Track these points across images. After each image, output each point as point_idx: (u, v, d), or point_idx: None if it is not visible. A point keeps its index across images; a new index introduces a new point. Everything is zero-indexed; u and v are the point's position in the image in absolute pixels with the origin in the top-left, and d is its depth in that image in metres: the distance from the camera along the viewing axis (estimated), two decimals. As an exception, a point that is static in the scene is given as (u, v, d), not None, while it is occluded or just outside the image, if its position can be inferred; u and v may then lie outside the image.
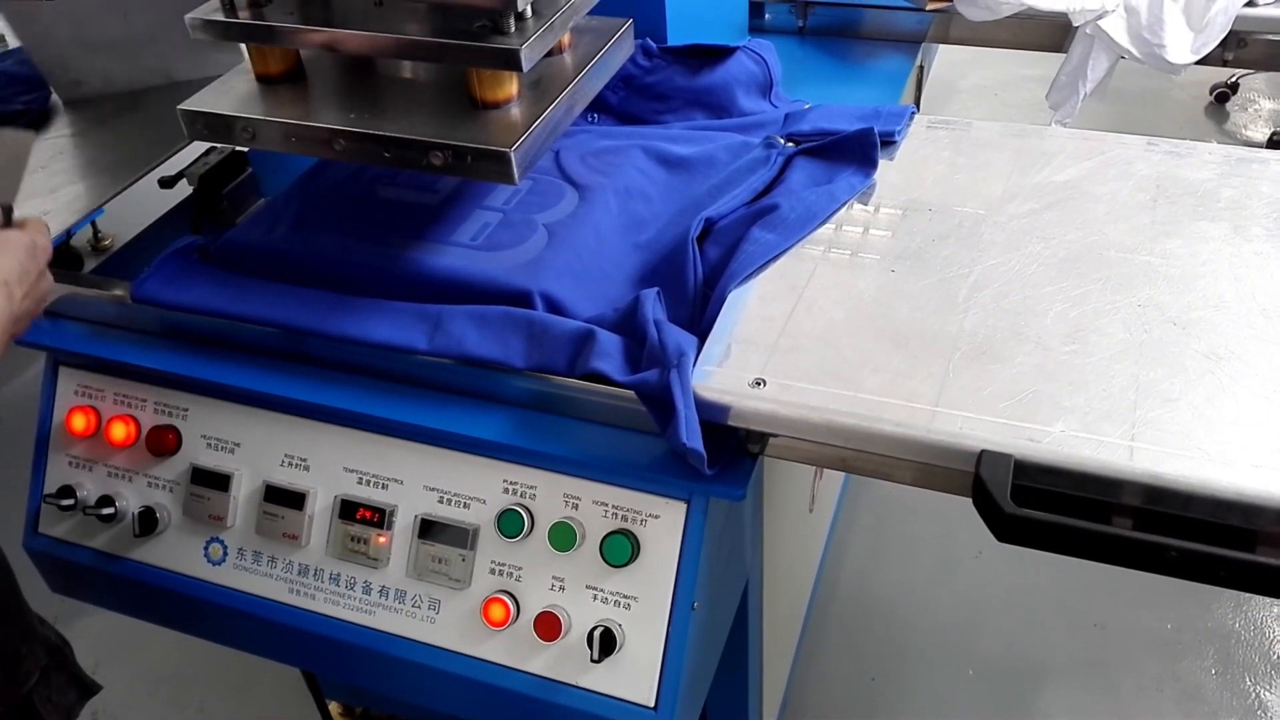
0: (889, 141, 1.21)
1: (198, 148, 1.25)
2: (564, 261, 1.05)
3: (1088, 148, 1.21)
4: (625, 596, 0.94)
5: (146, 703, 2.02)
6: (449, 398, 1.00)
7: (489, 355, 0.96)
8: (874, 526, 2.25)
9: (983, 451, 0.82)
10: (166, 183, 1.24)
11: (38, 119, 1.41)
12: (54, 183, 1.27)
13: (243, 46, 1.02)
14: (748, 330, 0.97)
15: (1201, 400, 0.86)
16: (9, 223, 0.86)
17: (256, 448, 1.06)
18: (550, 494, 0.96)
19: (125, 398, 1.11)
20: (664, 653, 0.93)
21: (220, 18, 0.98)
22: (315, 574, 1.03)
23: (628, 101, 1.35)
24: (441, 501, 0.99)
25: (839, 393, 0.88)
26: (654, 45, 1.34)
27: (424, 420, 0.99)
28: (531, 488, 0.97)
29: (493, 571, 0.98)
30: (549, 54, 1.01)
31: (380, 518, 1.01)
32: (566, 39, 1.04)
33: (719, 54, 1.33)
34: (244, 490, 1.06)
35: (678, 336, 0.92)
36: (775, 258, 1.05)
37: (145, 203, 1.28)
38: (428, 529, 0.99)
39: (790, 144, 1.21)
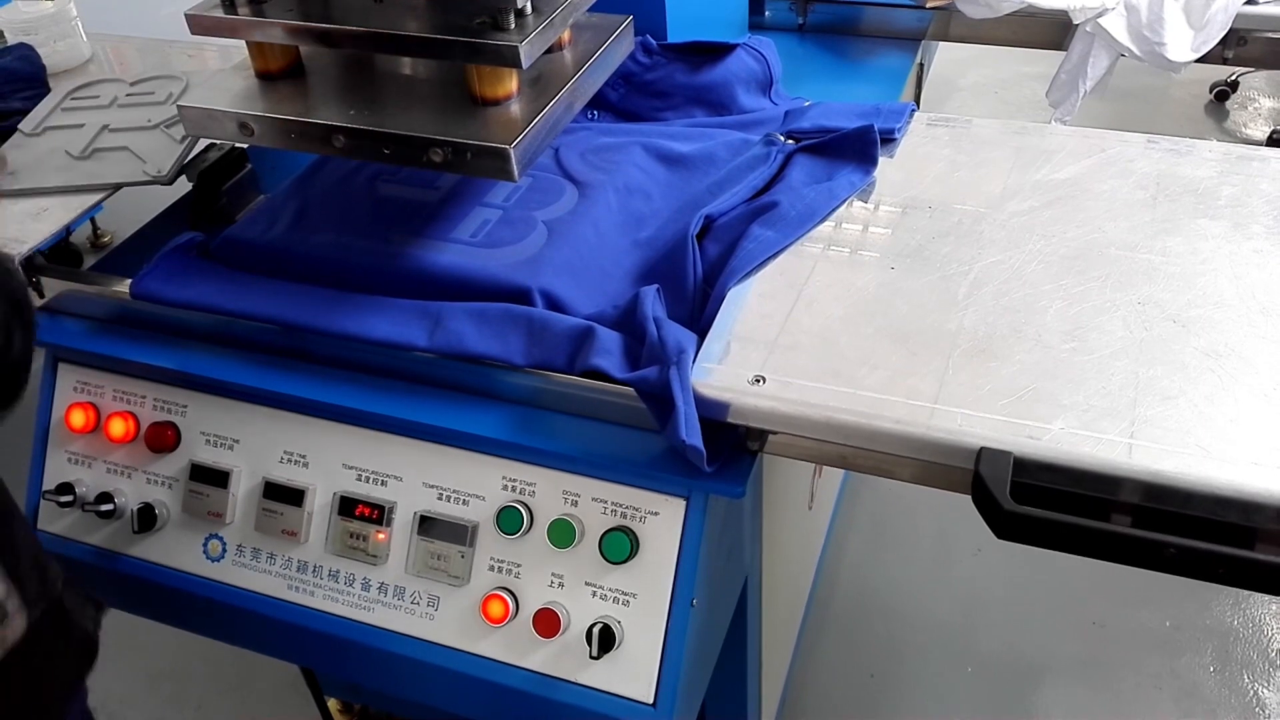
0: (889, 139, 1.21)
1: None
2: (564, 259, 1.05)
3: (1088, 145, 1.21)
4: (624, 593, 0.94)
5: (145, 700, 2.02)
6: (448, 394, 1.00)
7: (489, 352, 0.96)
8: (873, 524, 2.25)
9: (982, 449, 0.82)
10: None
11: (37, 115, 1.41)
12: (53, 179, 1.27)
13: (242, 42, 1.02)
14: (747, 327, 0.97)
15: (1201, 398, 0.86)
16: None
17: (256, 444, 1.06)
18: (549, 491, 0.96)
19: (124, 394, 1.11)
20: (663, 649, 0.93)
21: (220, 13, 0.98)
22: (314, 571, 1.03)
23: (627, 99, 1.35)
24: (441, 498, 0.99)
25: (839, 390, 0.88)
26: (654, 42, 1.34)
27: (423, 417, 0.99)
28: (531, 484, 0.97)
29: (492, 568, 0.98)
30: (549, 51, 1.01)
31: (379, 514, 1.01)
32: (566, 36, 1.04)
33: (719, 51, 1.32)
34: (243, 487, 1.06)
35: (677, 334, 0.92)
36: (775, 255, 1.05)
37: (144, 199, 1.28)
38: (427, 526, 0.99)
39: (790, 141, 1.21)
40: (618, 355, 0.93)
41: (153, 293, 1.06)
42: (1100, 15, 1.48)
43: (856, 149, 1.17)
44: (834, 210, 1.11)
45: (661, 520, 0.94)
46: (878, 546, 2.21)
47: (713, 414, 0.90)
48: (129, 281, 1.08)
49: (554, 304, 1.01)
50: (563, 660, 0.95)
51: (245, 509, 1.06)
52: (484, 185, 1.17)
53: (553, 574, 0.96)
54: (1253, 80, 3.78)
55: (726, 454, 0.92)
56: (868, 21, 1.67)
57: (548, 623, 0.94)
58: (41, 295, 1.13)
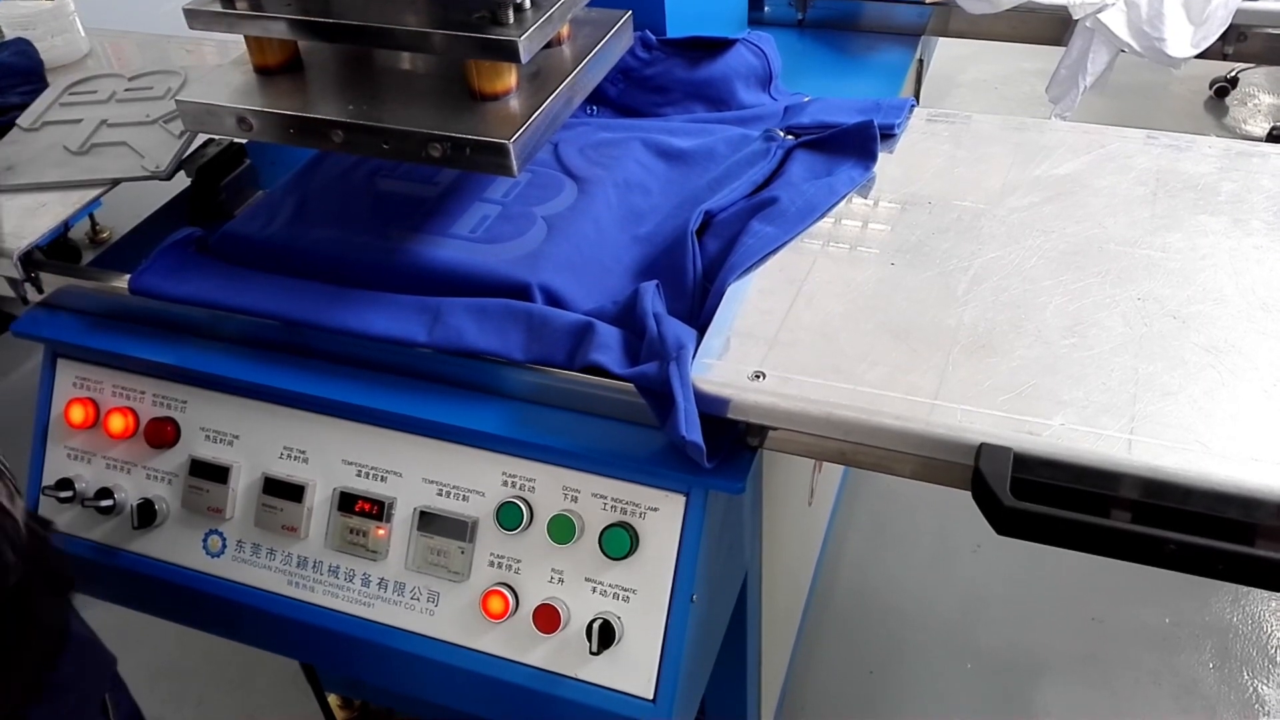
0: (889, 134, 1.21)
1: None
2: (563, 254, 1.05)
3: (1087, 141, 1.21)
4: (624, 589, 0.94)
5: (145, 696, 2.00)
6: (448, 390, 1.00)
7: (488, 348, 0.96)
8: (873, 520, 2.25)
9: (982, 444, 0.82)
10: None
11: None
12: (52, 175, 1.27)
13: (241, 38, 1.02)
14: (747, 323, 0.96)
15: (1201, 394, 0.86)
16: None
17: (255, 440, 1.06)
18: (549, 487, 0.96)
19: (123, 390, 1.10)
20: (663, 645, 0.93)
21: (218, 8, 0.98)
22: (314, 566, 1.03)
23: (627, 94, 1.35)
24: (441, 494, 0.99)
25: (838, 386, 0.88)
26: (653, 37, 1.34)
27: (423, 413, 0.99)
28: (530, 480, 0.97)
29: (492, 564, 0.98)
30: (548, 45, 1.01)
31: (379, 510, 1.01)
32: (565, 31, 1.04)
33: (718, 46, 1.32)
34: (243, 482, 1.06)
35: (677, 329, 0.92)
36: (775, 251, 1.04)
37: (143, 195, 1.28)
38: (427, 521, 0.99)
39: (790, 137, 1.21)
40: (617, 351, 0.93)
41: (151, 288, 1.06)
42: (1100, 11, 1.48)
43: (857, 144, 1.17)
44: (834, 206, 1.11)
45: (661, 516, 0.93)
46: (877, 543, 2.21)
47: (712, 410, 0.90)
48: (128, 277, 1.07)
49: (553, 299, 1.01)
50: (563, 656, 0.95)
51: (245, 505, 1.06)
52: (483, 181, 1.17)
53: (553, 570, 0.96)
54: (1252, 76, 3.78)
55: (726, 450, 0.92)
56: (867, 17, 1.66)
57: (548, 618, 0.94)
58: (40, 291, 1.13)
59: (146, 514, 1.06)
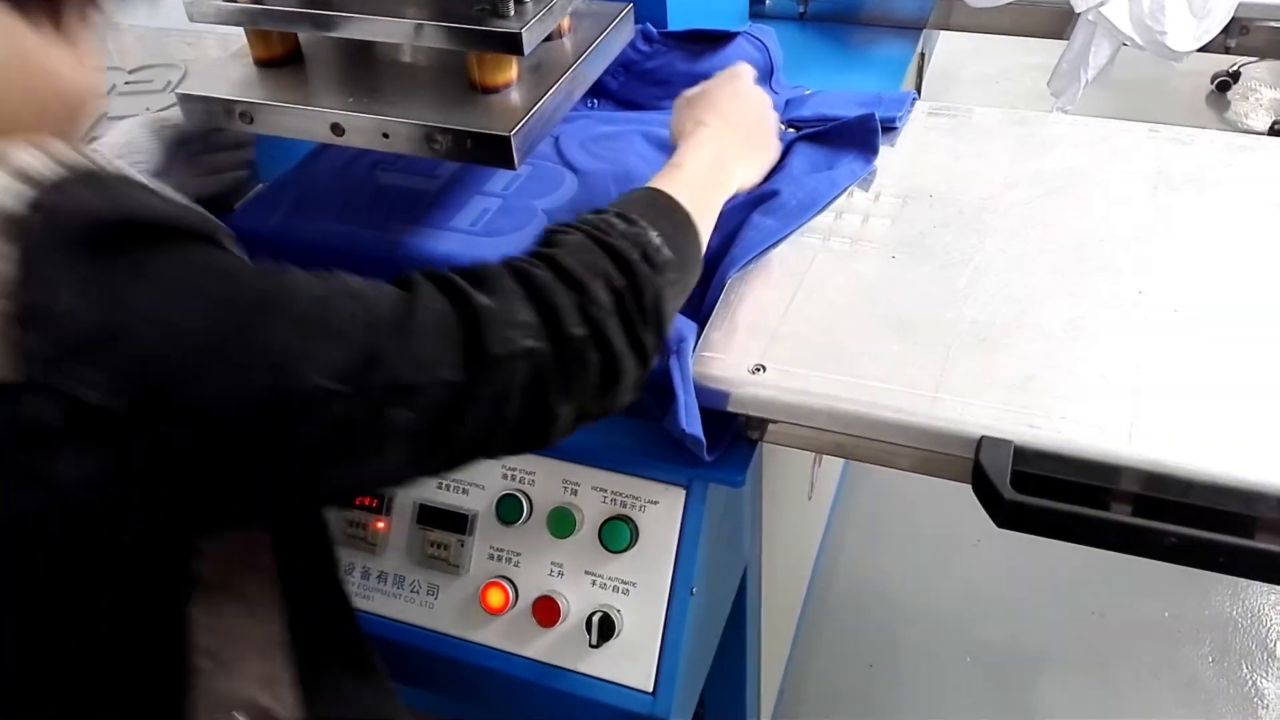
0: (890, 128, 1.21)
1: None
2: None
3: (1089, 135, 1.21)
4: (624, 582, 0.94)
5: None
6: (448, 383, 1.00)
7: (488, 341, 0.96)
8: (873, 513, 2.25)
9: (982, 438, 0.82)
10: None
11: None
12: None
13: (241, 30, 1.02)
14: (747, 316, 0.96)
15: (1202, 387, 0.85)
16: None
17: (255, 433, 1.05)
18: (548, 480, 0.96)
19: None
20: (662, 638, 0.93)
21: (219, 1, 0.97)
22: (314, 559, 1.03)
23: (628, 87, 1.34)
24: (440, 487, 0.99)
25: (839, 379, 0.88)
26: (654, 30, 1.33)
27: (423, 406, 0.98)
28: (530, 473, 0.97)
29: (491, 557, 0.98)
30: (548, 38, 1.01)
31: (378, 503, 1.01)
32: (566, 23, 1.04)
33: (720, 39, 1.32)
34: (243, 475, 1.06)
35: (677, 322, 0.92)
36: (775, 244, 1.04)
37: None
38: (426, 515, 0.99)
39: (791, 130, 1.21)
40: (617, 344, 0.93)
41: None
42: (1102, 4, 1.47)
43: (858, 138, 1.17)
44: (835, 199, 1.11)
45: (661, 509, 0.93)
46: (877, 537, 2.21)
47: (712, 403, 0.90)
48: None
49: (554, 293, 1.00)
50: (562, 649, 0.95)
51: (245, 498, 1.05)
52: (484, 174, 1.16)
53: (552, 563, 0.96)
54: (1255, 70, 3.77)
55: (726, 443, 0.92)
56: (869, 10, 1.66)
57: (547, 611, 0.94)
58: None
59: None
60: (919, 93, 1.78)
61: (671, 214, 0.79)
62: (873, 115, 1.17)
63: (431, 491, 0.99)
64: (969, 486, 0.82)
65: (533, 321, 0.62)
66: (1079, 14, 1.50)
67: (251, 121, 0.99)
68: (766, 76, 1.34)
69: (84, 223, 0.45)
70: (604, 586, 0.94)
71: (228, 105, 0.99)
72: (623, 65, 1.33)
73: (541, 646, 0.95)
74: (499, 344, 0.60)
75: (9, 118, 0.50)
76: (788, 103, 1.27)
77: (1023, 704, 1.89)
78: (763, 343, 0.93)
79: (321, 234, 1.08)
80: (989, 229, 1.06)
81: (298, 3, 0.96)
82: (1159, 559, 0.76)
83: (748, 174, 1.00)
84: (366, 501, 1.01)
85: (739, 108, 0.98)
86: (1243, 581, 1.98)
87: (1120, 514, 0.79)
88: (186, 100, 1.00)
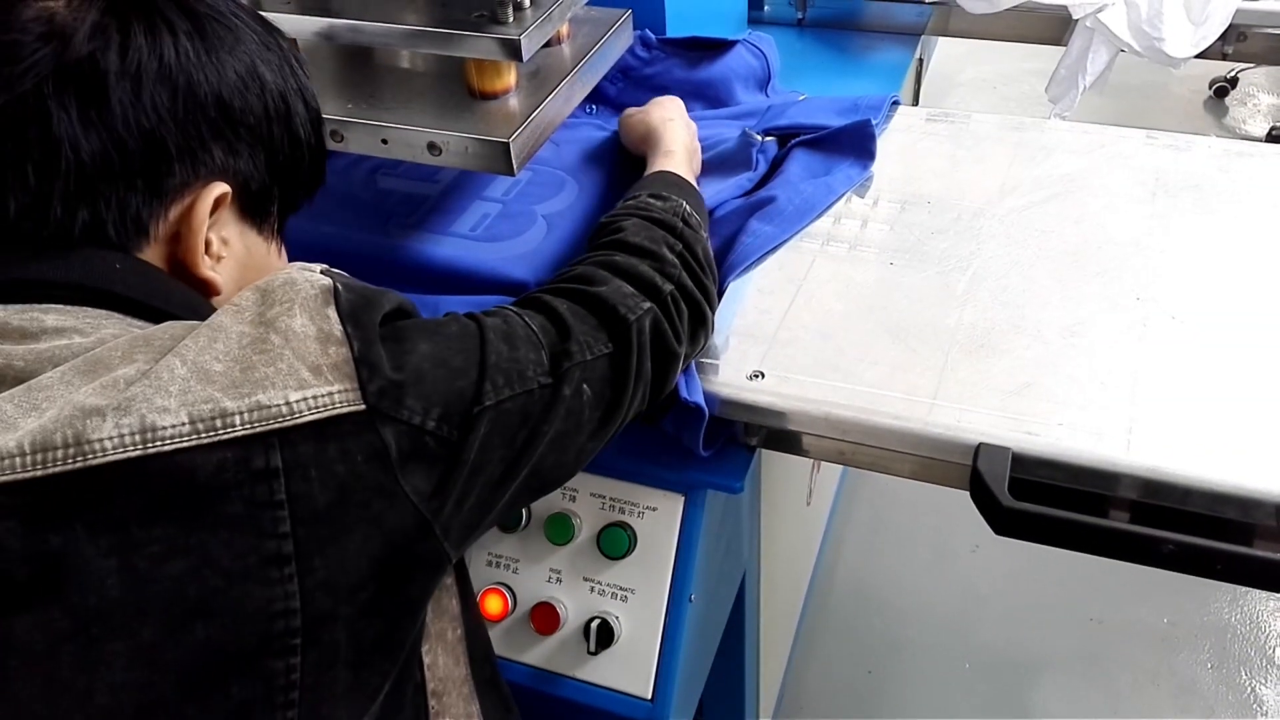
0: None
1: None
2: (563, 252, 1.05)
3: (1087, 141, 1.21)
4: (622, 589, 0.94)
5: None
6: (446, 389, 1.00)
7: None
8: (871, 520, 2.25)
9: (980, 444, 0.82)
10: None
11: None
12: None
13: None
14: (746, 323, 0.96)
15: (1198, 394, 0.86)
16: None
17: (253, 439, 1.05)
18: (547, 486, 0.96)
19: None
20: (661, 645, 0.93)
21: (217, 7, 0.97)
22: (312, 565, 1.03)
23: (626, 93, 1.34)
24: (439, 493, 0.99)
25: (837, 385, 0.88)
26: (653, 37, 1.33)
27: (421, 412, 0.98)
28: (529, 480, 0.96)
29: (490, 563, 0.97)
30: (547, 44, 1.01)
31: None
32: (565, 30, 1.04)
33: (719, 47, 1.32)
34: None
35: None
36: (773, 250, 1.04)
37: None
38: (425, 521, 0.99)
39: (769, 139, 1.20)
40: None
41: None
42: (1100, 10, 1.48)
43: (854, 143, 1.17)
44: (832, 205, 1.11)
45: (660, 516, 0.93)
46: (876, 543, 2.21)
47: (711, 409, 0.90)
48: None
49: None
50: (561, 655, 0.95)
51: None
52: (484, 179, 1.17)
53: (550, 569, 0.96)
54: (1252, 76, 3.78)
55: (724, 450, 0.92)
56: (867, 16, 1.66)
57: (546, 618, 0.94)
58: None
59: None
60: (917, 98, 1.78)
61: (684, 185, 0.96)
62: (869, 121, 1.17)
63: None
64: (967, 492, 0.82)
65: (635, 291, 0.77)
66: (1077, 20, 1.51)
67: (250, 128, 0.99)
68: (764, 84, 1.34)
69: (380, 310, 0.60)
70: (602, 593, 0.94)
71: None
72: (621, 71, 1.33)
73: (540, 653, 0.95)
74: (626, 311, 0.74)
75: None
76: (768, 109, 1.27)
77: (1021, 710, 1.88)
78: (761, 349, 0.93)
79: (321, 238, 1.08)
80: (987, 235, 1.06)
81: (297, 9, 0.96)
82: (1157, 566, 0.76)
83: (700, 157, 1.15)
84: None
85: (683, 112, 1.16)
86: (1241, 587, 1.98)
87: (1118, 521, 0.79)
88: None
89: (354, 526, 0.55)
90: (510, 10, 0.91)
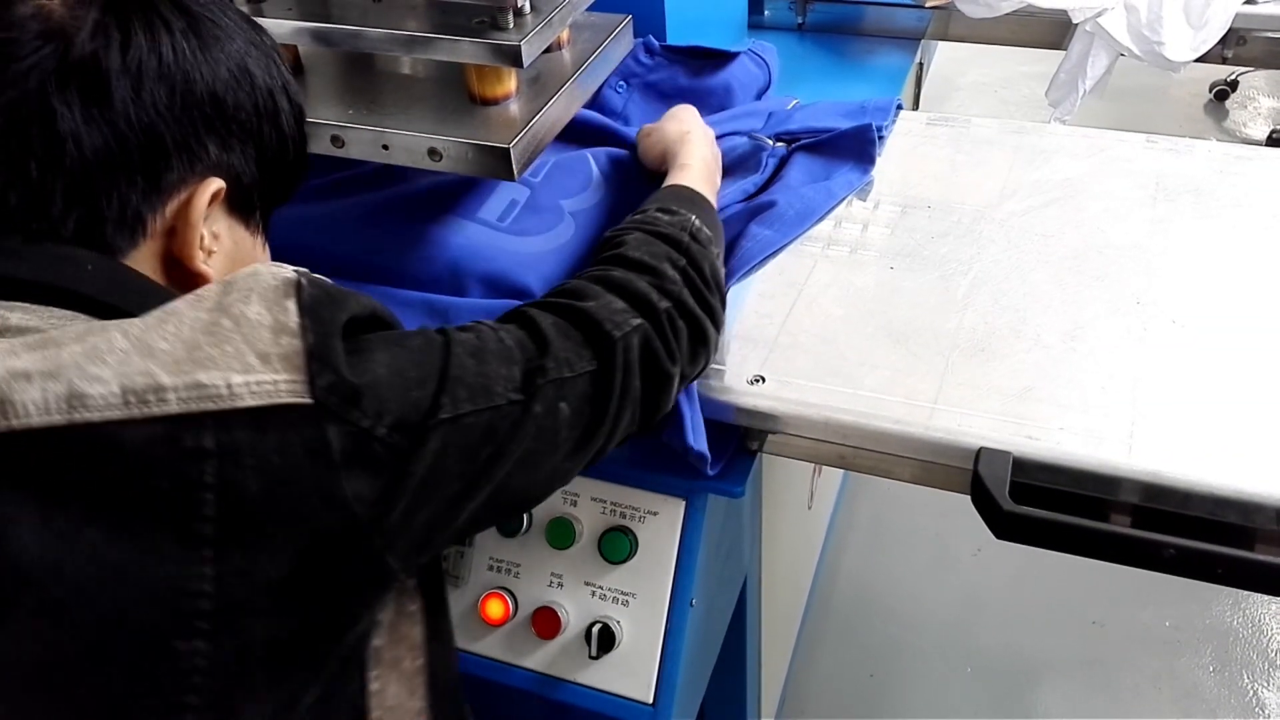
0: (879, 136, 1.21)
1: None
2: (565, 256, 1.05)
3: (1087, 145, 1.21)
4: (624, 593, 0.94)
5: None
6: (447, 394, 1.00)
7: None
8: (872, 524, 2.25)
9: (981, 449, 0.82)
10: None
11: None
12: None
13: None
14: (746, 327, 0.97)
15: (1199, 397, 0.86)
16: None
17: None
18: (549, 491, 0.96)
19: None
20: (662, 649, 0.93)
21: (219, 13, 0.97)
22: (313, 570, 1.03)
23: (632, 101, 1.34)
24: (440, 498, 0.99)
25: (838, 390, 0.88)
26: (655, 43, 1.33)
27: (422, 417, 0.98)
28: (530, 484, 0.96)
29: (491, 568, 0.97)
30: (547, 50, 1.01)
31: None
32: (565, 35, 1.04)
33: (723, 58, 1.31)
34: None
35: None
36: (774, 254, 1.04)
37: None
38: (426, 525, 0.99)
39: (780, 144, 1.20)
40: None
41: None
42: (1100, 14, 1.48)
43: (855, 148, 1.17)
44: (832, 209, 1.11)
45: (661, 520, 0.93)
46: (877, 547, 2.21)
47: (712, 414, 0.90)
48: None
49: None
50: (562, 660, 0.95)
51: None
52: (482, 186, 1.16)
53: (552, 574, 0.96)
54: (1252, 80, 3.78)
55: (726, 454, 0.92)
56: (867, 21, 1.66)
57: (547, 623, 0.94)
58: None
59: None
60: (917, 102, 1.78)
61: (697, 199, 0.93)
62: (870, 125, 1.17)
63: (431, 502, 0.99)
64: (968, 496, 0.82)
65: (627, 307, 0.74)
66: (1076, 24, 1.51)
67: (252, 133, 0.99)
68: (764, 93, 1.34)
69: (345, 310, 0.59)
70: (604, 598, 0.94)
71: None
72: (625, 77, 1.33)
73: (541, 658, 0.95)
74: (612, 327, 0.72)
75: None
76: (770, 116, 1.27)
77: (1023, 713, 1.88)
78: (762, 353, 0.93)
79: (344, 209, 1.08)
80: (987, 239, 1.06)
81: (298, 15, 0.97)
82: (1158, 571, 0.76)
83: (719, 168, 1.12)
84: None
85: (699, 123, 1.12)
86: (1243, 591, 1.98)
87: (1119, 525, 0.79)
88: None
89: (283, 520, 0.54)
90: (511, 16, 0.91)
